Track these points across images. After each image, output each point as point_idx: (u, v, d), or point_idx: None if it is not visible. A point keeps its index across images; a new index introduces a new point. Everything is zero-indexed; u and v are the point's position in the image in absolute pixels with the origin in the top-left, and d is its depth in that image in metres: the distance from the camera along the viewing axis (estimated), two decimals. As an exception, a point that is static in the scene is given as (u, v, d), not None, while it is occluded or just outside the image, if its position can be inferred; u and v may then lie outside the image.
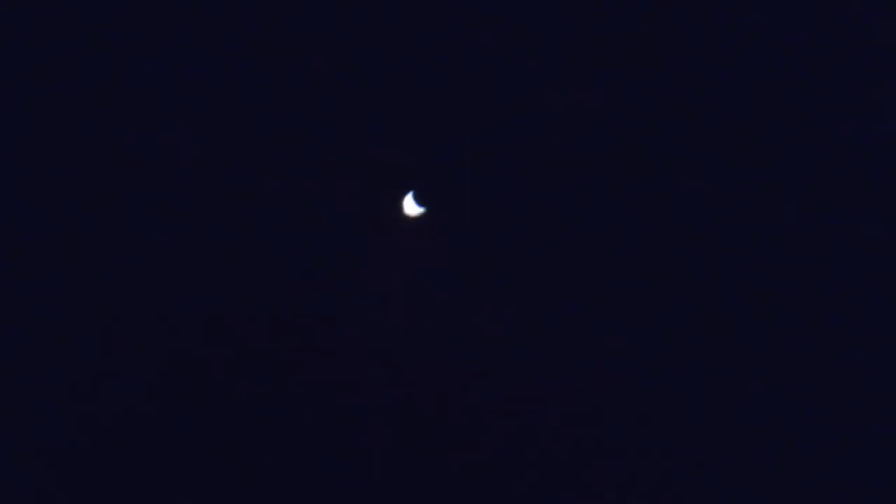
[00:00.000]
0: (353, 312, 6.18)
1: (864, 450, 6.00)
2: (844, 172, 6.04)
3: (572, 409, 6.13)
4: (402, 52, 6.00)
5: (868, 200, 6.04)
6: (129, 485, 6.00)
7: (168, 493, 6.01)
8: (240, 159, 6.08)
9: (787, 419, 6.07)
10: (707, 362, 6.12)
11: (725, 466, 6.06)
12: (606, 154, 6.12)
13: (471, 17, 5.96)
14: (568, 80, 6.04)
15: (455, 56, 6.01)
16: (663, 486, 6.06)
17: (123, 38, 5.92)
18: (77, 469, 5.98)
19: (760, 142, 6.06)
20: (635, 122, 6.08)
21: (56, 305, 6.03)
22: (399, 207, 6.13)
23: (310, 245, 6.17)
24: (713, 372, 6.12)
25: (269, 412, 6.10)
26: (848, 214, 6.04)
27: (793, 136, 6.05)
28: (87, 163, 6.01)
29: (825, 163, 6.04)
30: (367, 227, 6.16)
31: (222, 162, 6.08)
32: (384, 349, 6.17)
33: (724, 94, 6.03)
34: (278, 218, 6.13)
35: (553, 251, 6.17)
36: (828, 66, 5.97)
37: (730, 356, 6.12)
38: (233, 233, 6.12)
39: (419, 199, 6.11)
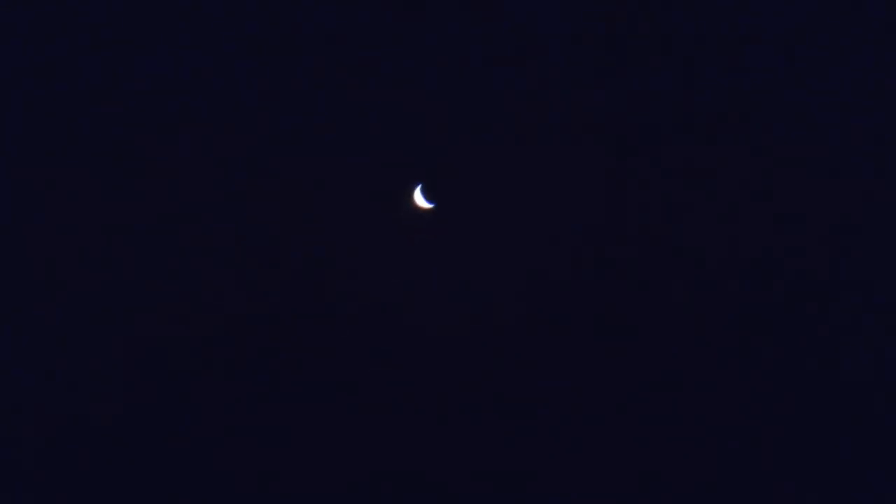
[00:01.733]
0: (357, 307, 6.18)
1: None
2: (844, 172, 6.04)
3: (575, 406, 6.13)
4: (402, 52, 6.00)
5: (867, 200, 6.04)
6: (129, 484, 6.00)
7: (167, 492, 6.01)
8: (240, 159, 6.08)
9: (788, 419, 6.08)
10: (706, 360, 6.13)
11: (727, 464, 6.07)
12: (607, 153, 6.12)
13: (471, 18, 5.96)
14: (568, 80, 6.05)
15: (455, 56, 6.01)
16: (663, 484, 6.08)
17: (123, 38, 5.92)
18: (75, 468, 5.99)
19: (761, 142, 6.06)
20: (635, 121, 6.08)
21: (56, 305, 6.03)
22: (407, 202, 6.14)
23: (315, 242, 6.16)
24: (715, 369, 6.12)
25: (271, 410, 6.10)
26: (848, 213, 6.04)
27: (793, 135, 6.05)
28: (87, 163, 6.01)
29: (825, 162, 6.04)
30: (376, 221, 6.16)
31: (222, 162, 6.07)
32: (387, 344, 6.17)
33: (723, 94, 6.03)
34: (280, 217, 6.13)
35: (555, 249, 6.17)
36: (828, 66, 5.98)
37: (725, 356, 6.12)
38: (234, 232, 6.12)
39: (427, 194, 6.11)
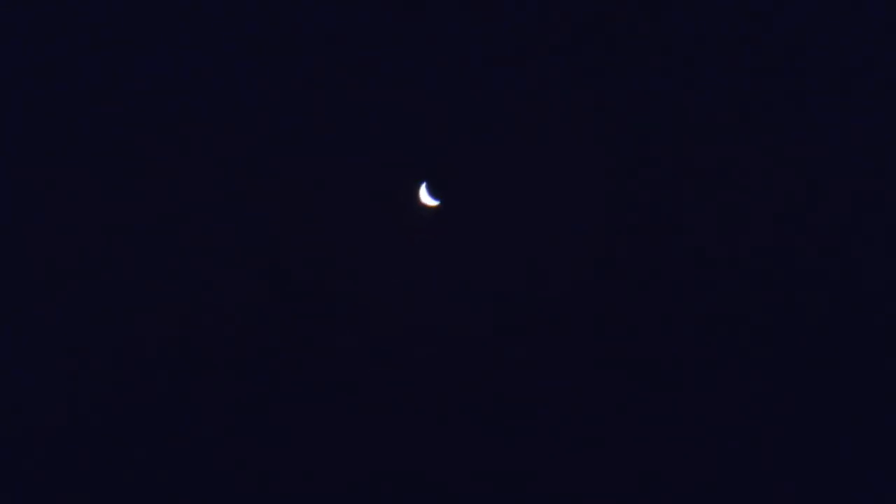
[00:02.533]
0: (357, 306, 6.18)
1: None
2: (844, 172, 6.04)
3: (575, 406, 6.14)
4: (402, 52, 6.00)
5: (867, 200, 6.04)
6: (128, 484, 6.00)
7: (167, 492, 6.02)
8: (240, 159, 6.08)
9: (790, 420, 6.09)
10: (707, 360, 6.13)
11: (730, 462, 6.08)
12: (607, 153, 6.12)
13: (471, 18, 5.96)
14: (568, 80, 6.05)
15: (455, 56, 6.01)
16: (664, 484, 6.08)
17: (123, 38, 5.92)
18: (75, 468, 5.99)
19: (761, 142, 6.07)
20: (635, 121, 6.08)
21: (56, 305, 6.03)
22: (413, 199, 6.14)
23: (315, 242, 6.16)
24: (718, 367, 6.13)
25: (271, 410, 6.11)
26: (848, 213, 6.05)
27: (793, 135, 6.05)
28: (87, 163, 6.01)
29: (825, 162, 6.05)
30: (375, 221, 6.16)
31: (222, 162, 6.07)
32: (387, 344, 6.17)
33: (723, 94, 6.04)
34: (280, 217, 6.13)
35: (554, 249, 6.17)
36: (828, 66, 5.98)
37: (725, 356, 6.12)
38: (234, 232, 6.12)
39: (433, 192, 6.12)
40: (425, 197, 6.14)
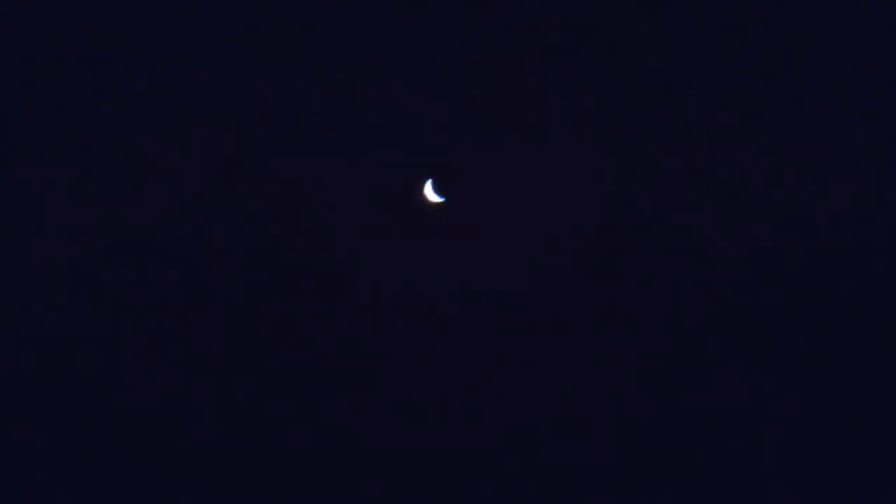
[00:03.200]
0: (356, 306, 6.18)
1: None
2: (844, 172, 6.04)
3: (575, 406, 6.14)
4: (402, 52, 6.00)
5: (867, 200, 6.04)
6: (128, 484, 6.01)
7: (167, 492, 6.02)
8: (240, 159, 6.08)
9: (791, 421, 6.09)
10: (706, 360, 6.13)
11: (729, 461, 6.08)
12: (607, 153, 6.12)
13: (471, 18, 5.96)
14: (568, 80, 6.05)
15: (455, 56, 6.01)
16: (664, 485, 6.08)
17: (123, 38, 5.92)
18: (75, 468, 6.00)
19: (761, 142, 6.07)
20: (635, 121, 6.08)
21: (56, 305, 6.03)
22: (412, 200, 6.14)
23: (315, 241, 6.16)
24: (720, 367, 6.13)
25: (271, 410, 6.11)
26: (848, 213, 6.05)
27: (793, 135, 6.05)
28: (87, 163, 6.01)
29: (825, 162, 6.05)
30: (375, 220, 6.16)
31: (222, 162, 6.07)
32: (387, 343, 6.18)
33: (723, 94, 6.03)
34: (280, 217, 6.13)
35: (554, 249, 6.17)
36: (828, 66, 5.98)
37: (725, 355, 6.12)
38: (234, 232, 6.12)
39: (438, 189, 6.12)
40: (430, 194, 6.14)
